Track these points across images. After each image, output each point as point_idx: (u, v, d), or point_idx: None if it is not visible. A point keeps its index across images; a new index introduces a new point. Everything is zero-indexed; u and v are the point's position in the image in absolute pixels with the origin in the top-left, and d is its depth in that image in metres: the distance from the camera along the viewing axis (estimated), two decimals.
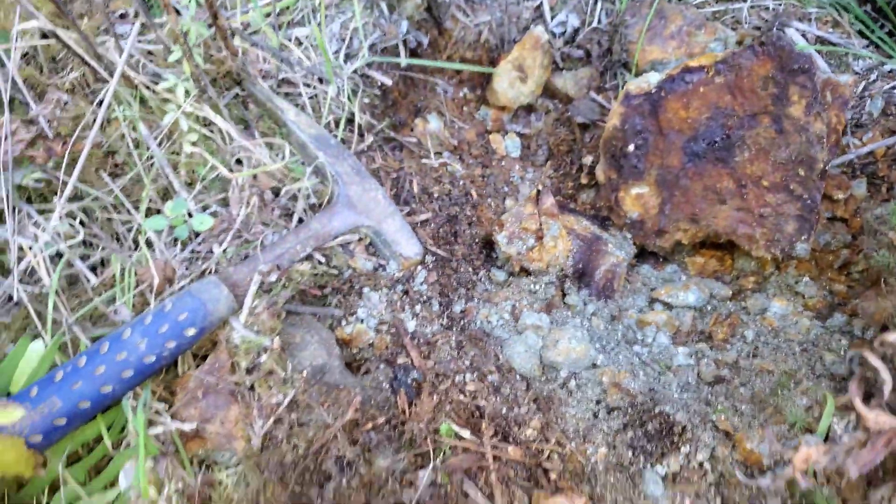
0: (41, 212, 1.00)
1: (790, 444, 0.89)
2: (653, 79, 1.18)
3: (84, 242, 1.01)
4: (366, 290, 1.10)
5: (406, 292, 1.10)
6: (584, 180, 1.35)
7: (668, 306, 1.22)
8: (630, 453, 0.96)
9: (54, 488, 0.85)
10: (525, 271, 1.20)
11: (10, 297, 0.99)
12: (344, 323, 1.07)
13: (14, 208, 0.96)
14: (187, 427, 0.88)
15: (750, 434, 0.94)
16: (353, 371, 1.05)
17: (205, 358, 0.98)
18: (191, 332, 0.91)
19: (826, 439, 0.89)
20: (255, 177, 1.06)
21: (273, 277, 0.98)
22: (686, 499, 0.89)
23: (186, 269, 1.02)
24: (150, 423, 0.89)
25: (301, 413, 0.94)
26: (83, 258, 1.00)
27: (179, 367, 0.96)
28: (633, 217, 1.23)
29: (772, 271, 1.25)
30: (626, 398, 1.01)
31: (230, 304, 0.94)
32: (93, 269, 1.03)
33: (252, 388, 0.94)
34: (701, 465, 0.94)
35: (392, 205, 1.13)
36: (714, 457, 0.94)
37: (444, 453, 0.96)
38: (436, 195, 1.24)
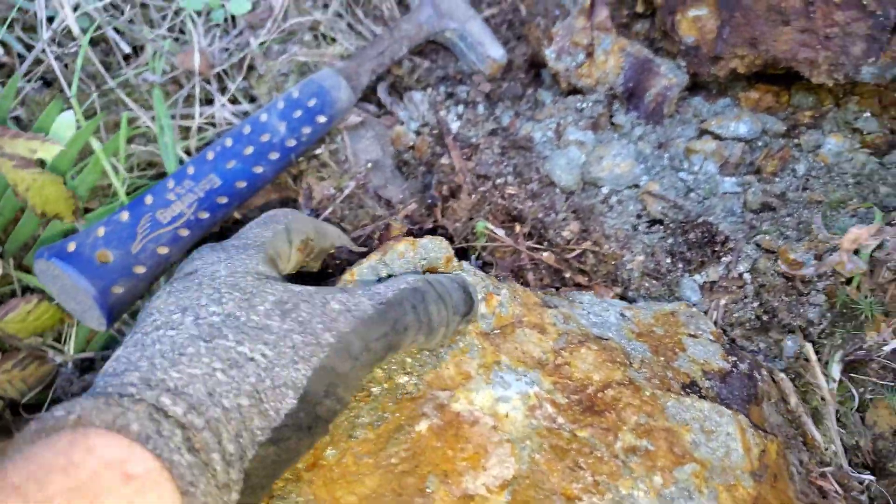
0: None
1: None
2: None
3: (116, 11, 0.98)
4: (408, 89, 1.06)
5: (451, 94, 1.07)
6: (639, 8, 1.27)
7: (718, 137, 1.17)
8: (668, 260, 0.94)
9: None
10: (573, 90, 1.15)
11: (42, 79, 0.97)
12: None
13: None
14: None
15: (795, 246, 0.91)
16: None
17: None
18: (321, 118, 0.92)
19: None
20: None
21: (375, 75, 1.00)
22: (722, 301, 0.87)
23: (225, 61, 0.99)
24: None
25: (353, 209, 0.94)
26: (116, 31, 0.97)
27: None
28: (689, 42, 1.16)
29: (830, 106, 1.18)
30: (670, 209, 0.98)
31: (349, 96, 0.96)
32: (125, 56, 1.00)
33: (297, 177, 0.93)
34: (741, 275, 0.91)
35: (471, 8, 1.13)
36: (755, 269, 0.92)
37: (479, 252, 0.94)
38: (483, 7, 1.18)
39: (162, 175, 0.93)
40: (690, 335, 0.80)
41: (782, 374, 0.82)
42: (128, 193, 0.89)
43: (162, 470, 0.45)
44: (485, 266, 0.93)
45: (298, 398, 0.53)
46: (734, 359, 0.77)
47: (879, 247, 0.81)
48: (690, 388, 0.72)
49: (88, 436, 0.44)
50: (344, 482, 0.59)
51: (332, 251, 0.80)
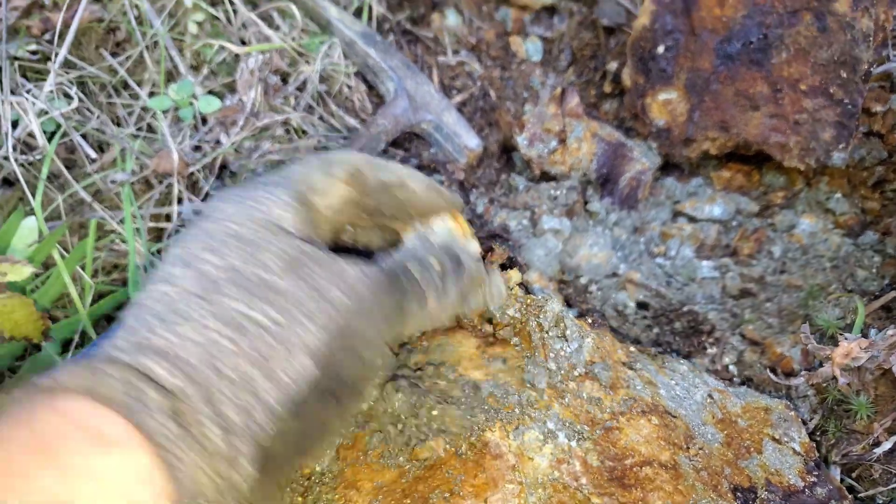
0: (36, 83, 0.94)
1: (825, 346, 0.84)
2: None
3: (81, 116, 0.95)
4: None
5: None
6: (607, 88, 1.29)
7: (693, 219, 1.17)
8: (655, 351, 0.92)
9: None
10: (546, 176, 1.14)
11: (4, 180, 0.94)
12: None
13: (3, 80, 0.90)
14: None
15: (780, 340, 0.90)
16: None
17: None
18: None
19: None
20: (266, 56, 1.00)
21: None
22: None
23: (198, 160, 0.97)
24: None
25: None
26: (81, 135, 0.94)
27: None
28: (660, 125, 1.17)
29: (801, 187, 1.20)
30: (653, 297, 0.97)
31: None
32: (89, 157, 0.97)
33: None
34: (727, 367, 0.90)
35: (445, 98, 1.13)
36: (742, 361, 0.90)
37: None
38: (454, 94, 1.17)
39: (126, 280, 0.90)
40: (774, 439, 0.75)
41: None
42: (93, 302, 0.85)
43: (134, 434, 0.41)
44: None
45: (317, 363, 0.48)
46: (813, 480, 0.71)
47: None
48: (744, 492, 0.68)
49: (61, 398, 0.42)
50: (368, 469, 0.62)
51: (401, 193, 0.62)
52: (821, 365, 0.79)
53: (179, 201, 0.94)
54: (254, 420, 0.46)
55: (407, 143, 1.14)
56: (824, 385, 0.83)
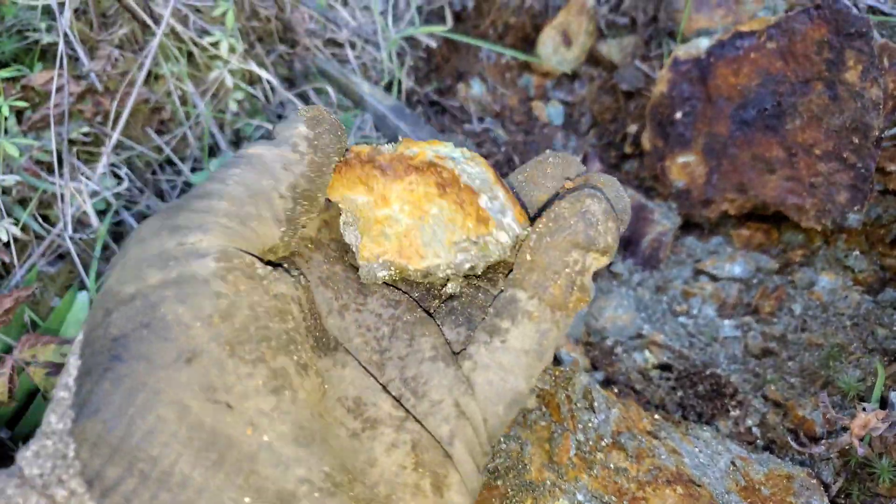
0: (88, 164, 1.01)
1: (845, 412, 0.86)
2: (702, 44, 1.15)
3: (129, 200, 1.01)
4: None
5: None
6: (628, 150, 1.33)
7: (714, 278, 1.20)
8: (679, 414, 0.94)
9: None
10: None
11: (56, 253, 1.00)
12: None
13: (62, 161, 0.96)
14: None
15: (802, 402, 0.92)
16: None
17: None
18: None
19: (881, 407, 0.87)
20: None
21: None
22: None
23: None
24: None
25: None
26: (130, 213, 1.00)
27: None
28: (679, 186, 1.21)
29: (820, 245, 1.22)
30: (676, 358, 1.00)
31: None
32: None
33: None
34: (750, 429, 0.92)
35: None
36: (764, 423, 0.92)
37: None
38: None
39: None
40: None
41: None
42: None
43: None
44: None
45: None
46: None
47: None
48: None
49: None
50: None
51: None
52: (843, 430, 0.81)
53: None
54: None
55: None
56: (847, 448, 0.85)
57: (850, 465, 0.85)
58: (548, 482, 0.68)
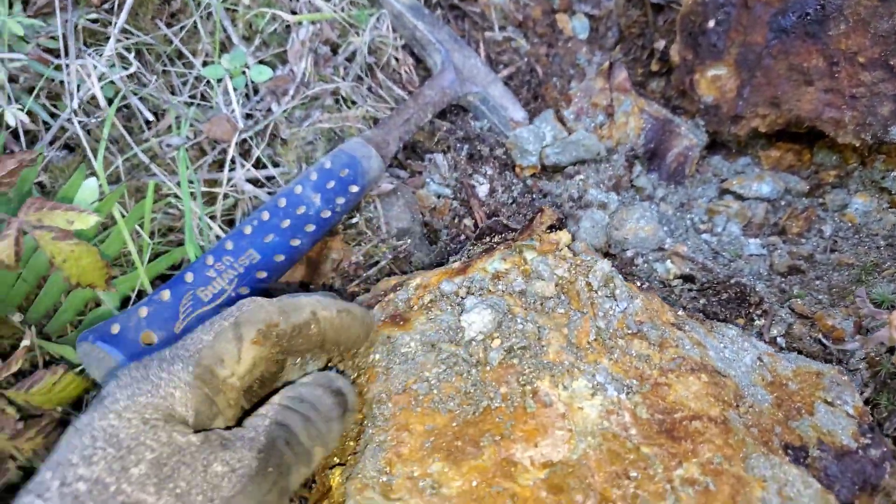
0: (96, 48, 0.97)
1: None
2: None
3: (138, 83, 0.98)
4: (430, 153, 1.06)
5: (472, 155, 1.06)
6: (654, 67, 1.28)
7: (740, 197, 1.15)
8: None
9: None
10: None
11: (64, 143, 0.97)
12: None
13: (69, 50, 0.93)
14: None
15: (831, 312, 0.88)
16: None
17: None
18: (354, 188, 0.92)
19: None
20: (316, 27, 1.01)
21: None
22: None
23: (250, 128, 0.99)
24: None
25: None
26: (139, 99, 0.97)
27: None
28: (708, 102, 1.16)
29: (855, 166, 1.17)
30: (699, 270, 0.96)
31: (380, 164, 0.95)
32: (147, 122, 1.00)
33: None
34: (775, 339, 0.88)
35: (492, 71, 1.14)
36: (790, 333, 0.89)
37: None
38: (500, 69, 1.18)
39: (182, 242, 0.92)
40: (826, 402, 0.73)
41: None
42: (149, 261, 0.87)
43: None
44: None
45: None
46: (867, 441, 0.69)
47: None
48: (795, 451, 0.67)
49: None
50: (421, 412, 0.64)
51: (315, 328, 0.64)
52: (877, 328, 0.78)
53: (232, 167, 0.96)
54: None
55: (452, 116, 1.15)
56: (877, 358, 0.81)
57: (880, 376, 0.82)
58: (566, 363, 0.66)
